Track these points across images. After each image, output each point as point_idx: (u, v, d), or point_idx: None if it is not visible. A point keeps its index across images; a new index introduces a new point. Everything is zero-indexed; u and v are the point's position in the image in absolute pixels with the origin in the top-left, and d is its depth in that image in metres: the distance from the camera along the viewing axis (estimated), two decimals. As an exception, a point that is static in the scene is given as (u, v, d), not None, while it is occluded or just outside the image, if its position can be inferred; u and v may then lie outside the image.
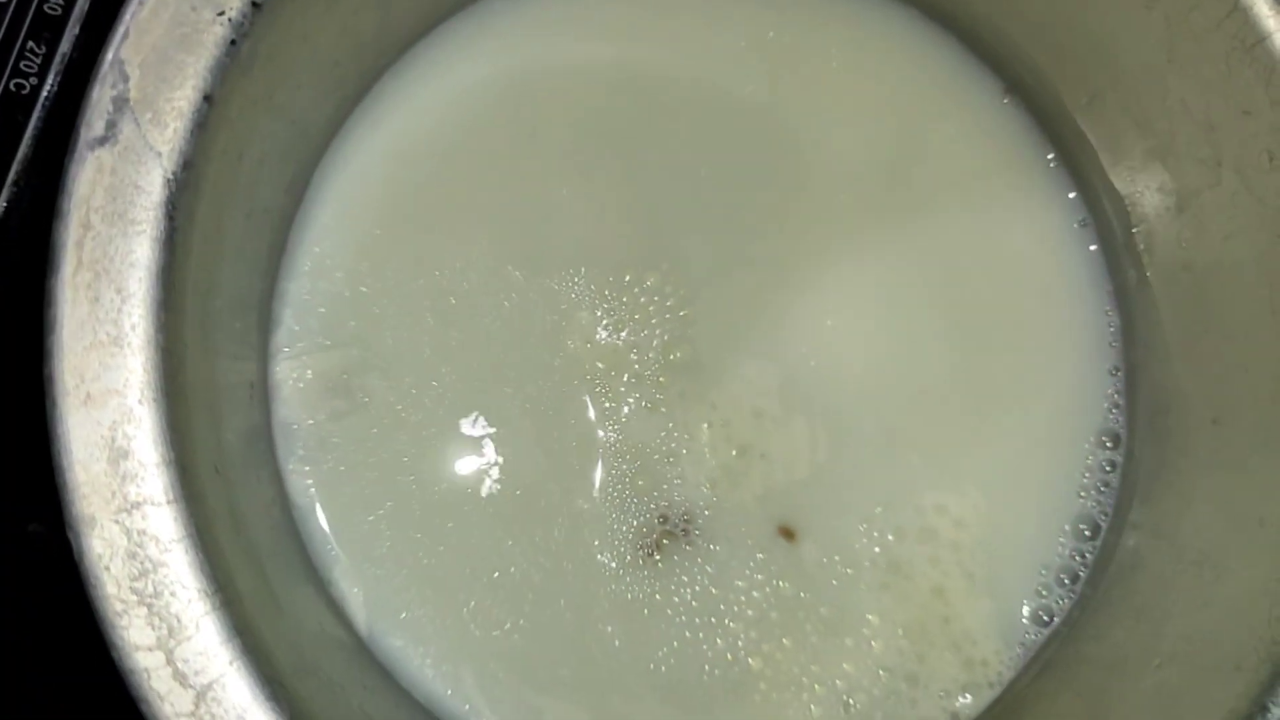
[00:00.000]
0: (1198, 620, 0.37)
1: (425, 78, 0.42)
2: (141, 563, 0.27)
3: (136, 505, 0.27)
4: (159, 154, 0.29)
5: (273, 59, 0.32)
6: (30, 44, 0.36)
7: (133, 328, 0.28)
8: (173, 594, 0.27)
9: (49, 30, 0.36)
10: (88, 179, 0.28)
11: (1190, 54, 0.36)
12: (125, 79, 0.29)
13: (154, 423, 0.28)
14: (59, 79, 0.36)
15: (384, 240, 0.41)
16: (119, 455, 0.28)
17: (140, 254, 0.28)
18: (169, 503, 0.28)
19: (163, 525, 0.28)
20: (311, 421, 0.40)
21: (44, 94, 0.35)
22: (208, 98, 0.29)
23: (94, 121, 0.28)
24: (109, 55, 0.29)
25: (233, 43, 0.30)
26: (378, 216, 0.41)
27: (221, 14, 0.29)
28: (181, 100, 0.29)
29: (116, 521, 0.27)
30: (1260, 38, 0.33)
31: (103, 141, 0.28)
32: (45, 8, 0.36)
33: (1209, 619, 0.36)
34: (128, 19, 0.29)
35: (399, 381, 0.40)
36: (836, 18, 0.45)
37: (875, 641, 0.40)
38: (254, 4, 0.30)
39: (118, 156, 0.28)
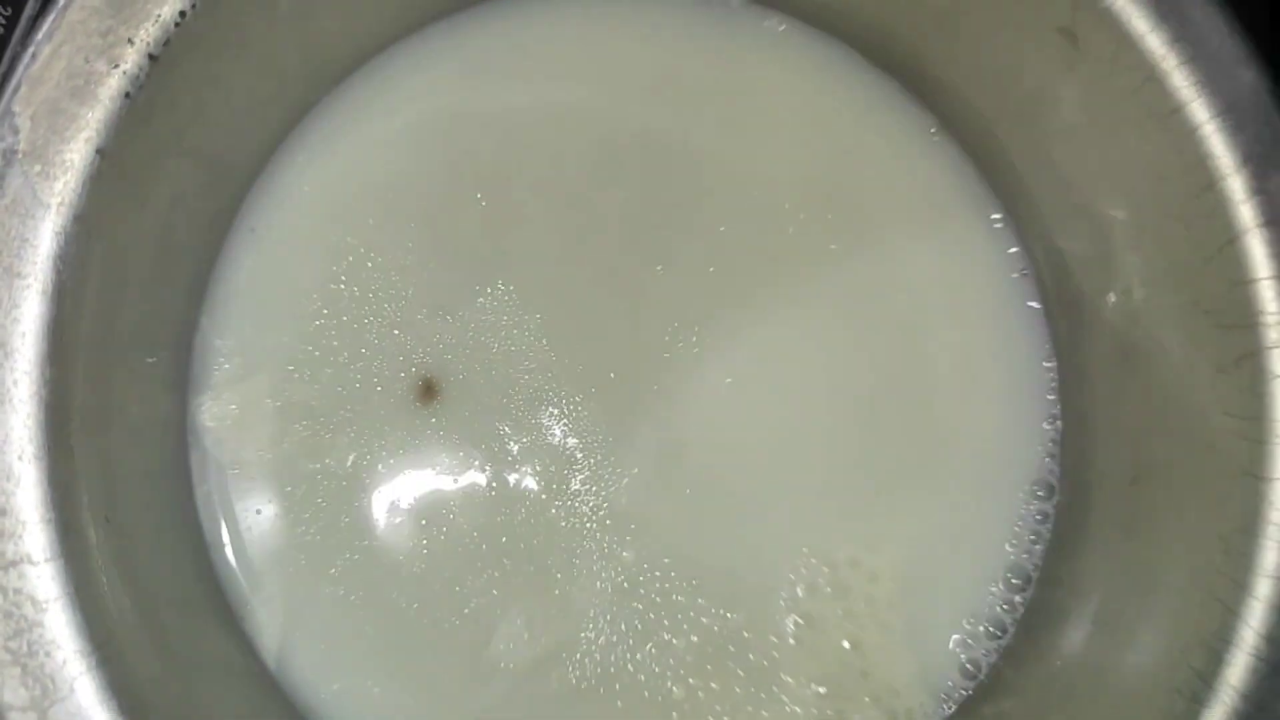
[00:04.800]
0: (1105, 685, 0.37)
1: (358, 113, 0.42)
2: (17, 622, 0.27)
3: (13, 563, 0.27)
4: (48, 207, 0.28)
5: (176, 106, 0.32)
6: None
7: (15, 384, 0.28)
8: (48, 654, 0.27)
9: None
10: (-27, 232, 0.28)
11: (1109, 118, 0.35)
12: (15, 131, 0.28)
13: (35, 480, 0.28)
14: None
15: (310, 274, 0.41)
16: (-3, 513, 0.27)
17: (26, 309, 0.28)
18: (47, 560, 0.28)
19: (40, 584, 0.28)
20: (234, 454, 0.40)
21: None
22: (100, 150, 0.29)
23: (-19, 175, 0.28)
24: (-1, 107, 0.29)
25: (127, 95, 0.29)
26: (304, 250, 0.41)
27: (116, 66, 0.29)
28: (73, 153, 0.29)
29: (-8, 580, 0.27)
30: (1174, 108, 0.33)
31: (-10, 195, 0.28)
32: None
33: (1115, 685, 0.36)
34: (20, 71, 0.29)
35: (325, 415, 0.40)
36: (756, 50, 0.44)
37: (796, 706, 0.40)
38: (150, 56, 0.30)
39: (4, 210, 0.28)
